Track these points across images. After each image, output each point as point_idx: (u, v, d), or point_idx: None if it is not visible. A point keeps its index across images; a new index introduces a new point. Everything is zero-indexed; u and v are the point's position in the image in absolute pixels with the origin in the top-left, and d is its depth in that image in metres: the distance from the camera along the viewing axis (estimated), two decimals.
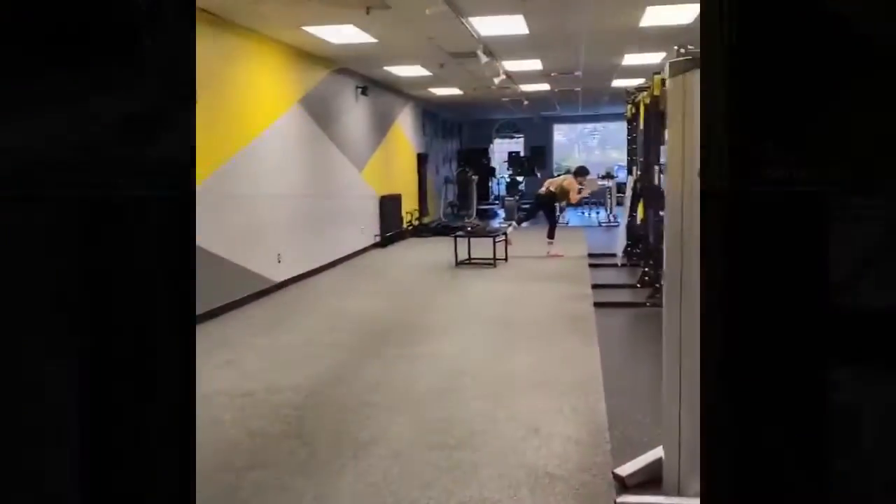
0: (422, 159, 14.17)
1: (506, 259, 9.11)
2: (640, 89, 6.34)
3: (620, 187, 17.53)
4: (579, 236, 12.15)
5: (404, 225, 12.58)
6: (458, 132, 18.88)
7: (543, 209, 9.78)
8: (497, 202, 18.53)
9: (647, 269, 7.05)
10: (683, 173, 2.63)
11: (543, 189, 9.84)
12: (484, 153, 19.51)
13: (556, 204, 9.83)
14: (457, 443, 3.28)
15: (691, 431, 2.61)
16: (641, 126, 7.15)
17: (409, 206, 13.27)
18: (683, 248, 2.64)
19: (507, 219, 14.82)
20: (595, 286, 7.14)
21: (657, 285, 6.21)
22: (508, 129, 21.34)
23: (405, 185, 13.07)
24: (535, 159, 19.57)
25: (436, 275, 8.31)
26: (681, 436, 2.65)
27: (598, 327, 5.48)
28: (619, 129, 25.72)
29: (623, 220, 7.99)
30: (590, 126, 23.97)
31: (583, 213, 17.00)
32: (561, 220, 14.20)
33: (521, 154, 18.52)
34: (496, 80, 9.81)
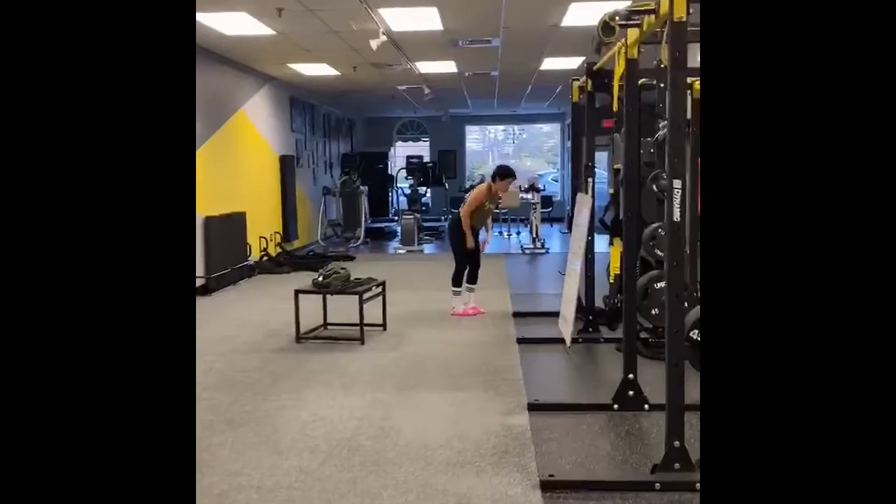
0: (287, 164, 10.49)
1: (383, 325, 5.62)
2: (633, 15, 2.97)
3: (546, 202, 14.48)
4: (498, 270, 8.83)
5: (254, 256, 8.89)
6: (348, 131, 15.28)
7: (451, 241, 6.33)
8: (397, 219, 15.06)
9: (631, 378, 3.71)
10: None
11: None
12: (381, 158, 15.97)
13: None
14: None
15: None
16: (617, 104, 3.84)
17: (267, 227, 9.59)
18: None
19: (404, 243, 11.36)
20: (535, 407, 3.75)
21: (674, 445, 2.84)
22: (413, 130, 17.93)
23: (259, 199, 9.37)
24: (445, 166, 16.21)
25: (250, 365, 4.72)
26: None
27: None
28: (536, 135, 22.92)
29: (575, 273, 4.71)
30: (503, 132, 20.96)
31: (500, 231, 13.76)
32: None
33: (424, 159, 15.08)
34: (374, 44, 6.35)
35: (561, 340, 5.02)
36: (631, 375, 3.71)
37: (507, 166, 6.32)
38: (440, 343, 5.20)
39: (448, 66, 9.18)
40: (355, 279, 5.46)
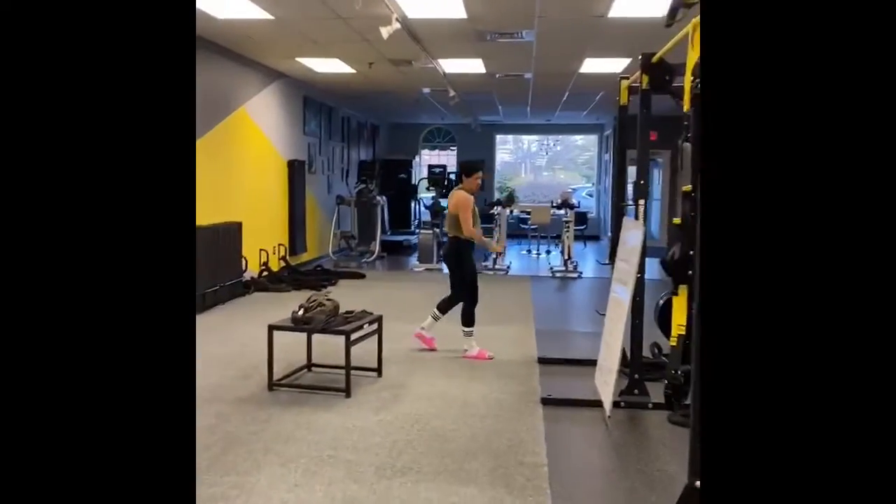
0: (297, 170, 9.58)
1: (378, 371, 4.61)
2: None
3: (580, 218, 13.36)
4: (522, 297, 7.77)
5: (252, 270, 7.96)
6: (371, 137, 14.37)
7: (453, 272, 5.33)
8: (418, 232, 14.07)
9: (698, 486, 2.64)
10: None
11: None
12: (404, 166, 15.02)
13: (466, 251, 5.27)
14: None
15: None
16: (689, 103, 2.79)
17: (270, 239, 8.68)
18: None
19: (422, 260, 10.36)
20: None
21: None
22: (440, 138, 16.96)
23: (260, 207, 8.47)
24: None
25: (203, 422, 3.73)
26: None
27: None
28: (570, 147, 21.75)
29: (623, 307, 3.65)
30: (537, 142, 19.83)
31: (528, 251, 12.69)
32: (496, 266, 9.84)
33: (449, 169, 14.05)
34: (385, 32, 5.40)
35: (598, 403, 3.96)
36: (699, 483, 2.63)
37: (469, 161, 5.47)
38: (444, 400, 4.16)
39: (475, 66, 8.19)
40: (344, 313, 4.45)
